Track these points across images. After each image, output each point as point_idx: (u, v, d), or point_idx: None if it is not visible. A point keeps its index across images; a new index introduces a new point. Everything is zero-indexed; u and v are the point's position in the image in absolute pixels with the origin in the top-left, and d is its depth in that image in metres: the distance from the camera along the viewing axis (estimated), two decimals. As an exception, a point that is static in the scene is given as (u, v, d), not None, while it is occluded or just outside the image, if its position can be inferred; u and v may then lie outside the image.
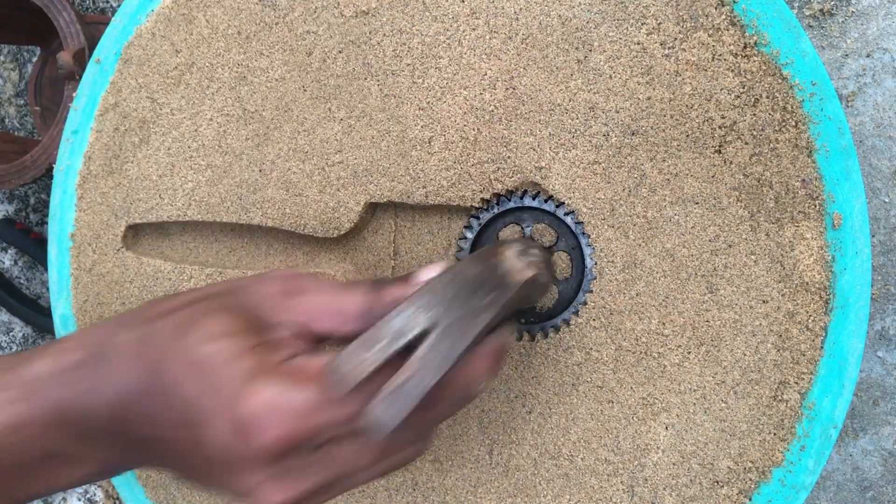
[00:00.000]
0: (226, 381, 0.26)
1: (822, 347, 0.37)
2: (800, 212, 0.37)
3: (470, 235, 0.44)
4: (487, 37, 0.41)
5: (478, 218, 0.43)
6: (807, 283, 0.37)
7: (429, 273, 0.30)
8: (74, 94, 0.50)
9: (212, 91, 0.46)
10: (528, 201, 0.42)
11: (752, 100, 0.37)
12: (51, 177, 0.60)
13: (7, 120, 0.75)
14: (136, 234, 0.49)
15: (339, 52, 0.43)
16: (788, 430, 0.38)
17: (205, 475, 0.28)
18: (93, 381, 0.28)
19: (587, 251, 0.41)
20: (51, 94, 0.72)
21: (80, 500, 0.70)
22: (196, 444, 0.27)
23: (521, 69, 0.40)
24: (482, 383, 0.29)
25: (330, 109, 0.44)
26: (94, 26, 0.64)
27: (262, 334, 0.28)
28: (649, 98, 0.39)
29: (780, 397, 0.38)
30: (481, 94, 0.41)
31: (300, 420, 0.25)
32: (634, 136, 0.39)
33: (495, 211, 0.43)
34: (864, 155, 0.46)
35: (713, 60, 0.38)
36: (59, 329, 0.50)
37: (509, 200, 0.42)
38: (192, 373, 0.27)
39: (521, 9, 0.40)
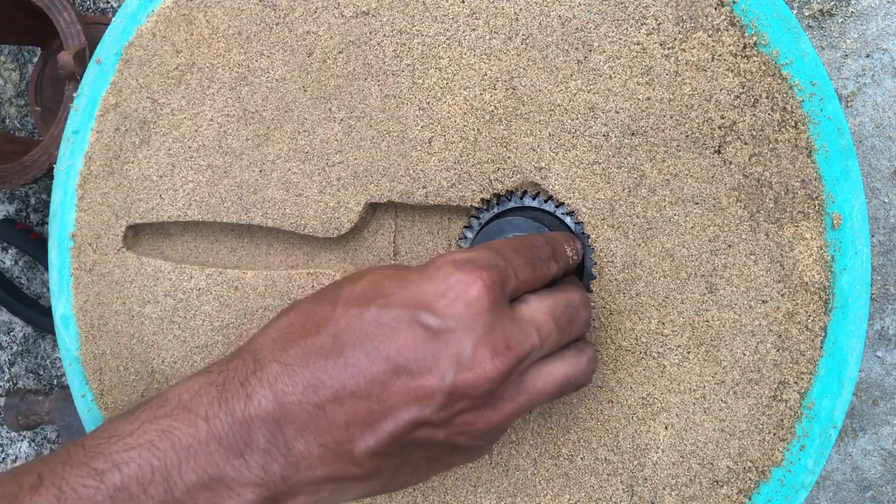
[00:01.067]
0: (408, 280, 0.30)
1: (821, 347, 0.37)
2: (799, 212, 0.37)
3: (470, 235, 0.44)
4: (487, 37, 0.41)
5: (478, 218, 0.43)
6: (806, 283, 0.37)
7: None
8: (75, 95, 0.50)
9: (212, 91, 0.46)
10: (527, 201, 0.42)
11: (752, 100, 0.37)
12: (51, 177, 0.60)
13: (7, 120, 0.75)
14: (136, 234, 0.49)
15: (340, 52, 0.43)
16: (788, 429, 0.38)
17: (417, 394, 0.29)
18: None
19: (587, 251, 0.41)
20: (51, 94, 0.72)
21: (80, 499, 0.71)
22: (397, 359, 0.29)
23: (521, 69, 0.40)
24: (571, 249, 0.37)
25: (330, 110, 0.44)
26: (94, 27, 0.64)
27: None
28: (649, 98, 0.39)
29: (779, 397, 0.38)
30: (481, 94, 0.41)
31: (489, 266, 0.31)
32: (634, 137, 0.39)
33: (495, 211, 0.43)
34: (864, 155, 0.46)
35: (713, 61, 0.38)
36: (60, 329, 0.50)
37: (509, 200, 0.42)
38: (367, 303, 0.30)
39: (521, 9, 0.40)
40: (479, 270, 0.29)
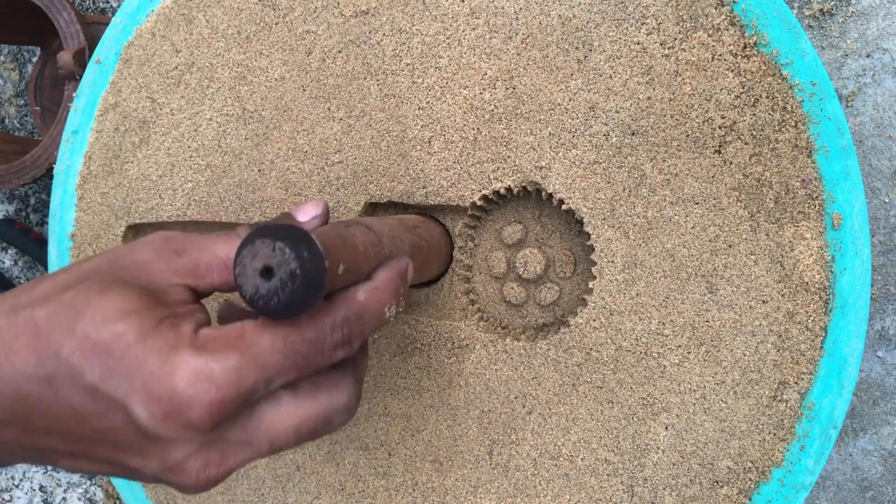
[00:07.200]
0: (141, 361, 0.25)
1: (821, 347, 0.37)
2: (800, 212, 0.37)
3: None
4: (487, 36, 0.41)
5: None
6: (807, 283, 0.37)
7: (307, 212, 0.31)
8: (74, 94, 0.50)
9: (212, 91, 0.46)
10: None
11: (752, 100, 0.37)
12: (51, 177, 0.60)
13: (7, 120, 0.75)
14: (136, 234, 0.49)
15: (339, 51, 0.43)
16: (788, 430, 0.38)
17: (120, 462, 0.27)
18: None
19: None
20: (51, 94, 0.72)
21: (80, 499, 0.70)
22: (105, 432, 0.26)
23: (521, 69, 0.40)
24: (392, 308, 0.30)
25: (329, 109, 0.44)
26: (94, 26, 0.64)
27: (163, 307, 0.27)
28: (649, 98, 0.39)
29: (779, 397, 0.38)
30: (481, 93, 0.41)
31: (230, 386, 0.25)
32: (634, 136, 0.39)
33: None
34: (864, 155, 0.46)
35: (713, 60, 0.38)
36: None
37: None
38: (96, 357, 0.25)
39: (521, 9, 0.40)
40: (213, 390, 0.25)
